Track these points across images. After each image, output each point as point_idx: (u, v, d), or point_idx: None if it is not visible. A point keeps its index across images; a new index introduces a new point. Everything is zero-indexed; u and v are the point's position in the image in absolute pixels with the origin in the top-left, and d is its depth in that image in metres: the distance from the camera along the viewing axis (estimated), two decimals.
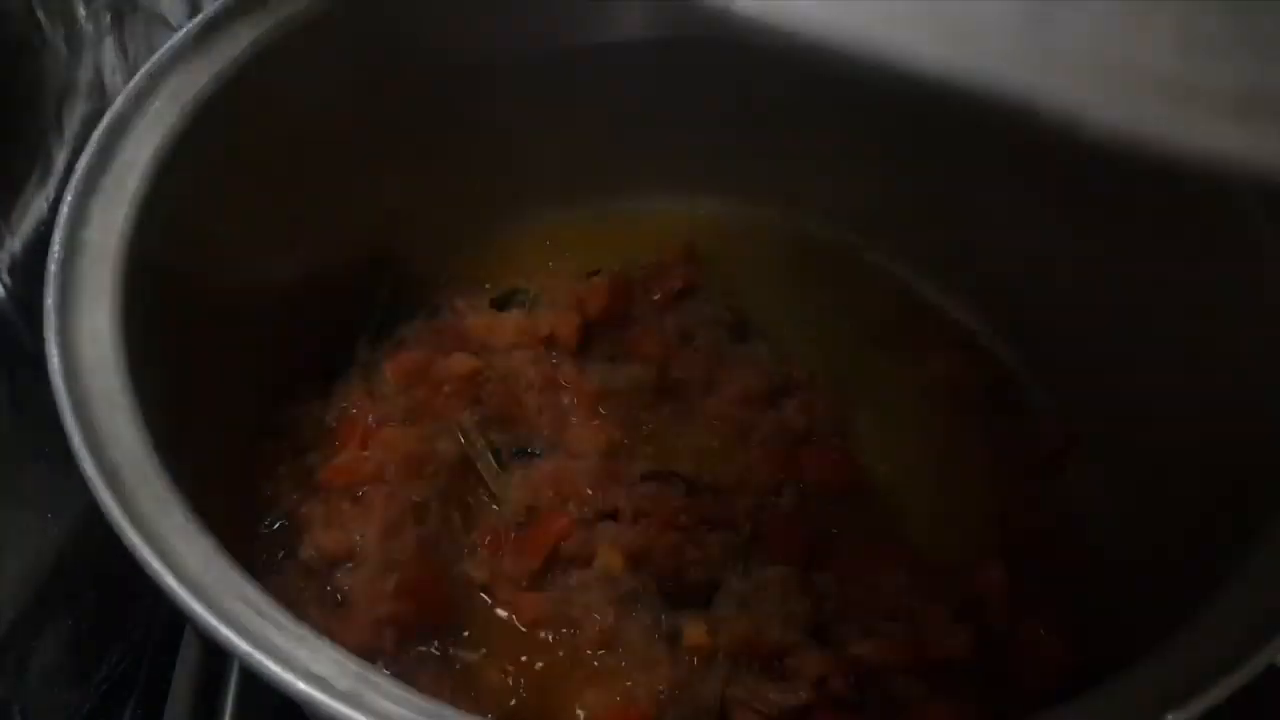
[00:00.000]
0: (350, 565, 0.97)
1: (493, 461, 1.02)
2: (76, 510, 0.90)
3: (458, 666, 0.93)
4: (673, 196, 1.32)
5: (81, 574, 0.91)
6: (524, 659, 0.94)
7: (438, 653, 0.94)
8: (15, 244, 0.83)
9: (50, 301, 0.75)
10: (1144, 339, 1.03)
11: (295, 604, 0.92)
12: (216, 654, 1.02)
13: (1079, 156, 1.02)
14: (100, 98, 0.94)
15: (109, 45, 0.98)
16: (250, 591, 0.64)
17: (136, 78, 0.88)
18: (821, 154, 1.24)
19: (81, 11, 0.93)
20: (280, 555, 0.99)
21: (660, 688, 0.90)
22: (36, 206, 0.85)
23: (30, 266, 0.80)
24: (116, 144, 0.84)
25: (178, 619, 1.04)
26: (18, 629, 0.85)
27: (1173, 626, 0.71)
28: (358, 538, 0.98)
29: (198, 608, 0.63)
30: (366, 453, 1.03)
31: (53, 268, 0.77)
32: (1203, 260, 0.96)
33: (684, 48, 1.16)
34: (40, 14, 0.86)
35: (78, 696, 0.94)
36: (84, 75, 0.92)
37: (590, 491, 0.99)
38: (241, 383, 1.02)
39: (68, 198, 0.80)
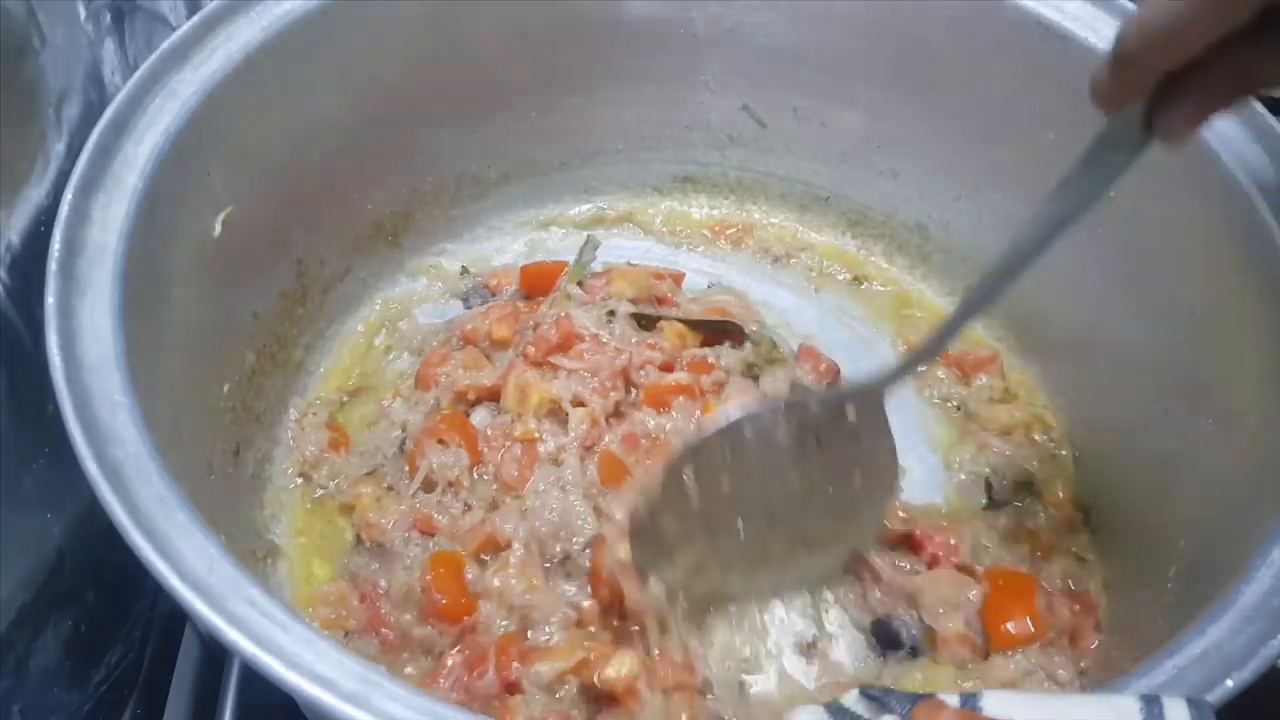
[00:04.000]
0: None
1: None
2: (76, 510, 0.89)
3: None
4: (676, 196, 1.32)
5: (81, 574, 0.91)
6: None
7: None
8: (15, 243, 0.83)
9: (51, 300, 0.75)
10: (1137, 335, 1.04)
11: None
12: (216, 654, 1.02)
13: None
14: (99, 97, 0.94)
15: (109, 45, 0.98)
16: (255, 593, 0.64)
17: (136, 76, 0.88)
18: (818, 150, 1.25)
19: (81, 11, 0.93)
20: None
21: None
22: (36, 205, 0.85)
23: (30, 265, 0.80)
24: (116, 142, 0.84)
25: (177, 619, 1.04)
26: (18, 629, 0.85)
27: (1178, 626, 0.72)
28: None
29: (202, 609, 0.62)
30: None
31: (53, 266, 0.76)
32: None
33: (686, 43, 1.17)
34: (40, 14, 0.86)
35: (78, 696, 0.94)
36: (84, 75, 0.92)
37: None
38: (245, 383, 1.02)
39: (68, 196, 0.80)
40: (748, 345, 1.12)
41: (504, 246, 1.27)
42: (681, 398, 1.04)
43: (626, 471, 0.98)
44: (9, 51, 0.82)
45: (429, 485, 0.99)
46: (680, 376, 1.05)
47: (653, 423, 1.02)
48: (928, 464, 1.10)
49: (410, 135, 1.15)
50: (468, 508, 0.98)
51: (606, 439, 1.00)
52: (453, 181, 1.22)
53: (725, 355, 1.10)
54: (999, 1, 1.04)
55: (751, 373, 1.11)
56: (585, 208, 1.31)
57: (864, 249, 1.29)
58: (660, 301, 1.16)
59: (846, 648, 0.96)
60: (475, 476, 1.00)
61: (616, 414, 1.04)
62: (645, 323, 1.11)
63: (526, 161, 1.25)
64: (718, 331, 1.14)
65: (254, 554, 0.96)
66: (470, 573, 0.93)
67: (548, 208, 1.29)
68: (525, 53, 1.15)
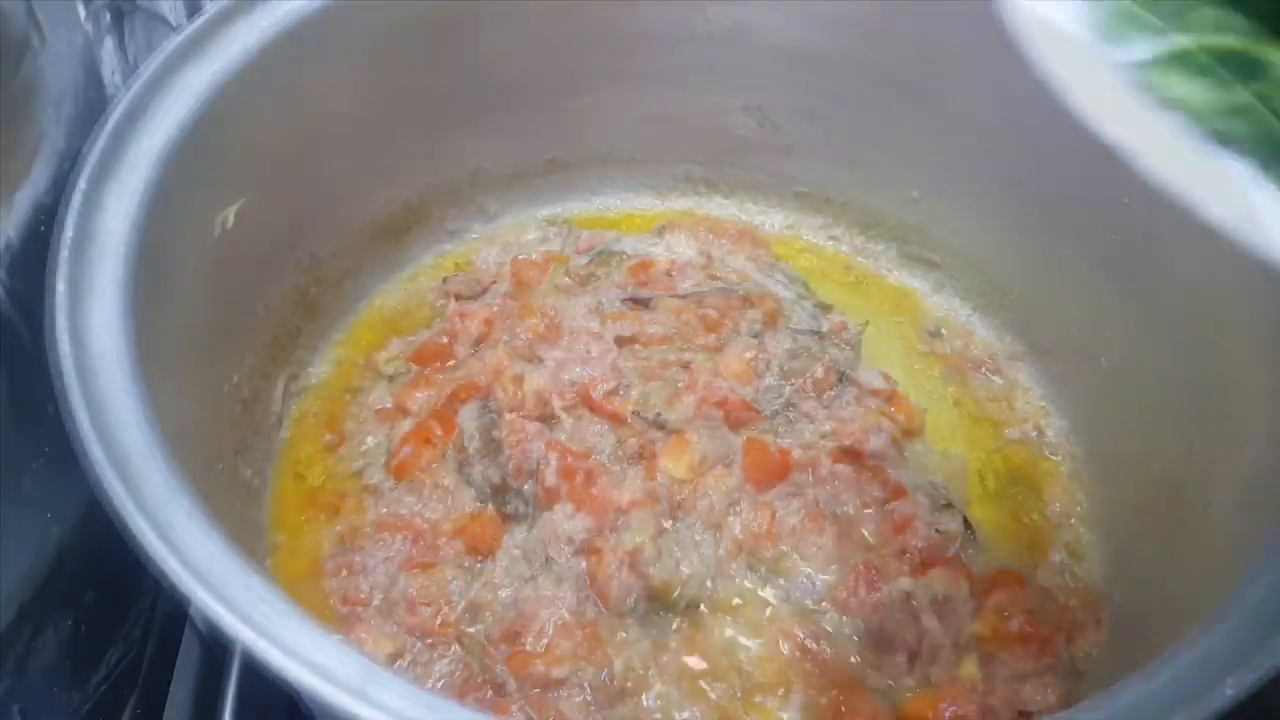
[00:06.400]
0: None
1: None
2: (76, 510, 0.89)
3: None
4: (677, 196, 1.33)
5: (81, 574, 0.91)
6: None
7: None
8: (14, 242, 0.82)
9: (61, 287, 0.75)
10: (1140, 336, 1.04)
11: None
12: (216, 654, 1.02)
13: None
14: (99, 97, 0.94)
15: (109, 45, 0.98)
16: (255, 581, 0.64)
17: (152, 66, 0.88)
18: (820, 150, 1.25)
19: (81, 11, 0.93)
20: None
21: None
22: (35, 205, 0.85)
23: (29, 265, 0.80)
24: (130, 131, 0.84)
25: (177, 619, 1.04)
26: (18, 629, 0.84)
27: (1179, 626, 0.71)
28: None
29: (202, 595, 0.62)
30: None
31: (64, 253, 0.76)
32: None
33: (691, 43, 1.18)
34: (40, 14, 0.86)
35: (78, 696, 0.94)
36: (83, 75, 0.92)
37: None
38: (248, 379, 1.02)
39: (80, 185, 0.79)
40: (751, 311, 1.14)
41: (505, 246, 1.27)
42: (673, 369, 1.05)
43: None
44: (9, 51, 0.82)
45: (414, 487, 0.99)
46: (666, 353, 1.06)
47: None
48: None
49: (415, 135, 1.15)
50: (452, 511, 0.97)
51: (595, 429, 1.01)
52: (455, 181, 1.22)
53: (731, 317, 1.12)
54: (1001, 2, 1.04)
55: (756, 332, 1.13)
56: (586, 208, 1.31)
57: (864, 249, 1.29)
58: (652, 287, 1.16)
59: (844, 650, 0.96)
60: (460, 476, 0.99)
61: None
62: (640, 305, 1.11)
63: (529, 161, 1.26)
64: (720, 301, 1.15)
65: (253, 553, 0.96)
66: (454, 584, 0.93)
67: (548, 208, 1.29)
68: (529, 53, 1.15)
